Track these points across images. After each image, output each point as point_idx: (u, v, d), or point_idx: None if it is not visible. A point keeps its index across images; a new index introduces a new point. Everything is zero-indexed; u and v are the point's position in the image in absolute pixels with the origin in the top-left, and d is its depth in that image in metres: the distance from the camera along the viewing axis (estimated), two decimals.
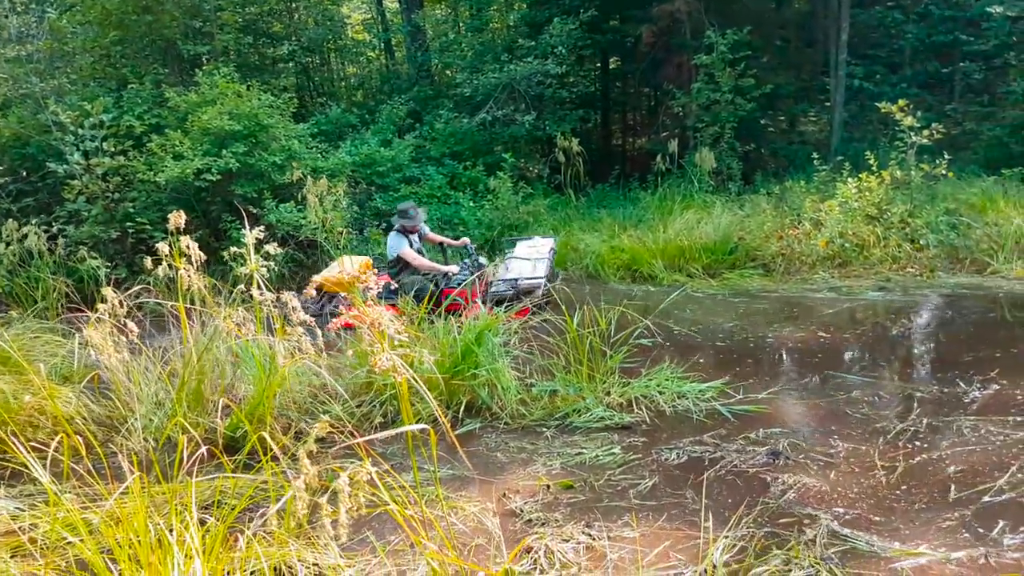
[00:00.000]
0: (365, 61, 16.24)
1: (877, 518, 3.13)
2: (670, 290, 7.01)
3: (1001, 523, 3.00)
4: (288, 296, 2.79)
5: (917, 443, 3.79)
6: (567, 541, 3.07)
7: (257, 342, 4.20)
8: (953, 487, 3.32)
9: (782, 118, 15.01)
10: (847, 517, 3.14)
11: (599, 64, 15.56)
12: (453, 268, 6.94)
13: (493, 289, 6.57)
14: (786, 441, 3.93)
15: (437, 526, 2.79)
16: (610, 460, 3.83)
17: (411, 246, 6.83)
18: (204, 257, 3.82)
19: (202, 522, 2.70)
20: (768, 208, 9.14)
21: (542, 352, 4.99)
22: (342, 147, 10.33)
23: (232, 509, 2.90)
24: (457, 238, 7.83)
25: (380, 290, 6.73)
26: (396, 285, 6.81)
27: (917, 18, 13.27)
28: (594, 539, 3.08)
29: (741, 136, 11.84)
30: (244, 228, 3.91)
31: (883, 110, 8.15)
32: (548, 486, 3.57)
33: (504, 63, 11.47)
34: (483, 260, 7.29)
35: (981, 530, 2.98)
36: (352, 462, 3.78)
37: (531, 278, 6.62)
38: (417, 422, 4.32)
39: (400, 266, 6.82)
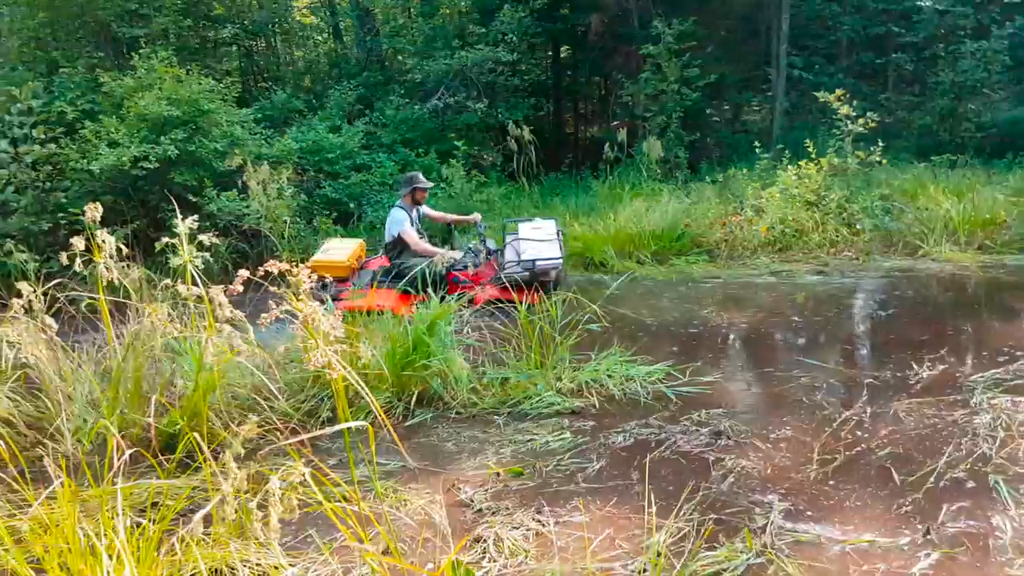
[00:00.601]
0: (313, 45, 15.94)
1: (822, 503, 3.19)
2: (620, 277, 7.07)
3: (944, 506, 3.08)
4: (216, 290, 2.69)
5: (859, 427, 3.89)
6: (517, 529, 3.09)
7: (195, 338, 4.09)
8: (895, 471, 3.40)
9: (727, 108, 15.30)
10: (792, 502, 3.20)
11: (551, 52, 15.60)
12: (455, 254, 6.67)
13: (509, 271, 6.26)
14: (728, 422, 4.02)
15: (376, 523, 2.77)
16: (560, 445, 3.87)
17: (412, 224, 6.53)
18: (139, 249, 3.68)
19: (137, 525, 2.63)
20: (713, 196, 9.31)
21: (494, 340, 5.00)
22: (288, 133, 10.12)
23: (168, 511, 2.83)
24: (468, 213, 7.63)
25: (379, 275, 6.62)
26: (397, 269, 6.52)
27: (853, 10, 13.65)
28: (544, 525, 3.10)
29: (687, 125, 12.03)
30: (178, 218, 3.77)
31: (821, 99, 8.36)
32: (498, 474, 3.59)
33: (455, 49, 11.40)
34: (491, 243, 7.08)
35: (924, 513, 3.05)
36: (290, 461, 3.77)
37: (549, 259, 6.31)
38: (366, 416, 4.32)
39: (400, 247, 6.53)
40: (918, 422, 3.89)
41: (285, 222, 8.02)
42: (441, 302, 6.27)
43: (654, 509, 2.95)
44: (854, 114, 8.24)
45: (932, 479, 3.30)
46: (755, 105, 15.64)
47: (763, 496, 3.26)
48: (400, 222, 6.42)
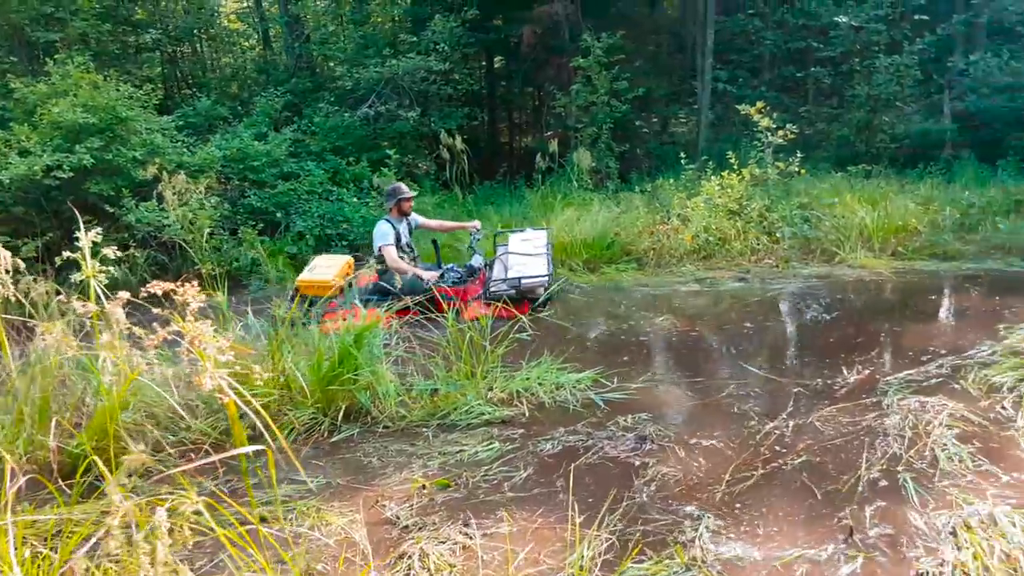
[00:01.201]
0: (240, 51, 15.62)
1: (746, 512, 3.23)
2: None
3: (863, 510, 3.16)
4: (114, 305, 2.58)
5: (781, 433, 3.98)
6: (443, 543, 3.07)
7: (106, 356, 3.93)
8: (815, 477, 3.48)
9: (655, 120, 15.64)
10: (718, 511, 3.23)
11: (484, 63, 15.70)
12: (432, 275, 6.47)
13: (493, 289, 6.22)
14: (654, 427, 4.09)
15: (292, 544, 2.72)
16: (488, 455, 3.87)
17: (400, 238, 6.40)
18: (50, 263, 3.52)
19: (38, 555, 2.51)
20: (641, 205, 9.50)
21: (424, 351, 4.97)
22: (212, 141, 9.86)
23: (71, 540, 2.71)
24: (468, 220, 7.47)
25: (368, 293, 6.47)
26: (386, 284, 6.35)
27: (775, 26, 14.18)
28: (471, 538, 3.10)
29: (618, 136, 12.27)
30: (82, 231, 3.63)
31: (743, 112, 8.62)
32: (424, 486, 3.56)
33: (387, 57, 11.34)
34: (479, 259, 6.96)
35: (844, 518, 3.12)
36: (201, 482, 3.67)
37: (534, 276, 6.24)
38: (289, 432, 4.24)
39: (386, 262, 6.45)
40: (836, 427, 4.00)
41: (207, 233, 7.79)
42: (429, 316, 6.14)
43: (580, 520, 2.98)
44: (774, 126, 8.55)
45: (850, 483, 3.39)
46: (682, 117, 16.05)
47: (689, 505, 3.29)
48: (383, 236, 6.32)
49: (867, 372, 4.73)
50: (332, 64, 13.64)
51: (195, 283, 2.34)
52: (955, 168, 11.14)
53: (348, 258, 7.03)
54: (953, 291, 6.55)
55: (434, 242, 7.18)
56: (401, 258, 6.52)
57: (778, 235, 8.12)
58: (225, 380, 2.17)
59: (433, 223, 7.04)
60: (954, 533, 2.93)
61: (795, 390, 4.53)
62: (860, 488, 3.35)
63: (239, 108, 11.84)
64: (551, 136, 11.78)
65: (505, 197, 11.32)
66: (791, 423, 4.08)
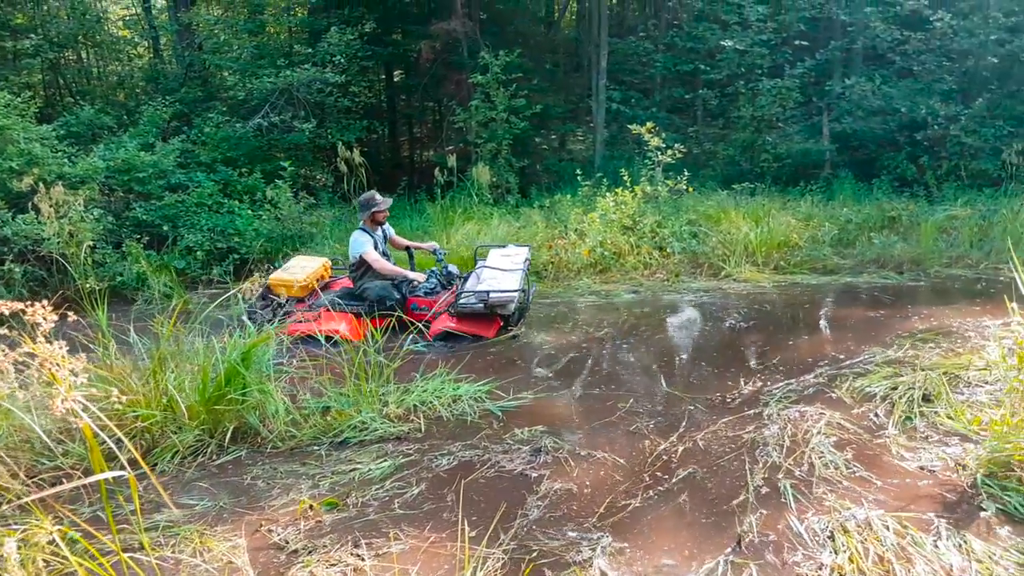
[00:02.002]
0: (127, 59, 14.92)
1: (640, 527, 3.29)
2: None
3: (753, 521, 3.26)
4: None
5: (671, 445, 4.10)
6: (334, 566, 3.00)
7: None
8: (703, 488, 3.60)
9: (554, 137, 15.97)
10: (611, 527, 3.28)
11: (383, 76, 15.59)
12: (419, 276, 6.47)
13: (462, 301, 6.08)
14: (549, 440, 4.15)
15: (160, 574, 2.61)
16: (381, 473, 3.82)
17: (376, 247, 6.26)
18: None
19: None
20: (540, 220, 9.66)
21: (317, 368, 4.87)
22: (95, 151, 9.36)
23: None
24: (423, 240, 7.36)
25: (341, 297, 6.26)
26: (358, 291, 6.29)
27: (665, 49, 14.75)
28: (362, 560, 3.05)
29: (517, 152, 12.44)
30: None
31: (635, 131, 8.92)
32: (311, 507, 3.48)
33: (281, 68, 11.09)
34: (453, 269, 6.87)
35: (732, 528, 3.23)
36: (76, 509, 3.48)
37: (503, 291, 6.07)
38: (174, 455, 4.06)
39: (363, 269, 6.28)
40: (722, 438, 4.16)
41: (89, 247, 7.39)
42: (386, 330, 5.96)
43: (473, 535, 2.97)
44: (664, 145, 8.89)
45: (736, 494, 3.52)
46: (579, 135, 16.46)
47: (584, 522, 3.32)
48: (362, 244, 6.20)
49: (751, 383, 4.96)
50: (225, 73, 13.23)
51: (45, 303, 2.19)
52: (834, 186, 11.87)
53: (324, 260, 6.89)
54: (832, 303, 6.96)
55: (408, 251, 7.06)
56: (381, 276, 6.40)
57: (669, 250, 8.44)
58: (80, 403, 2.05)
59: (398, 240, 6.95)
60: (832, 537, 3.10)
61: (686, 404, 4.68)
62: (745, 497, 3.48)
63: (125, 117, 11.29)
64: (451, 151, 11.82)
65: (406, 211, 11.27)
66: (681, 435, 4.21)
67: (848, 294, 7.23)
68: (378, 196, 6.40)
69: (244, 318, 5.80)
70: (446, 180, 10.54)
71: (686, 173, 9.05)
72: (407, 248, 6.99)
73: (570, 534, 3.23)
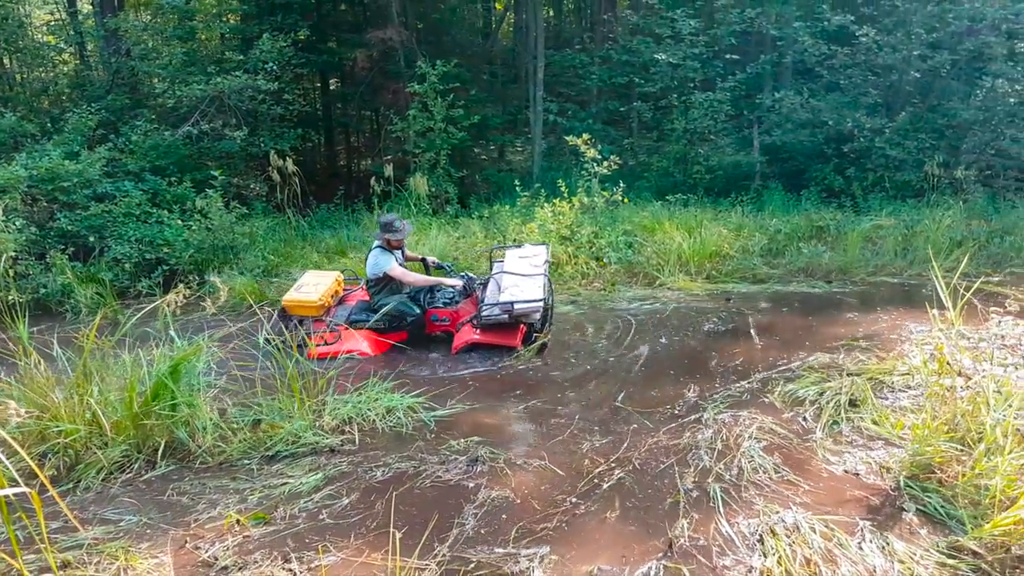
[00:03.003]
0: (51, 65, 14.33)
1: (577, 535, 3.30)
2: None
3: (684, 525, 3.32)
4: None
5: (605, 453, 4.13)
6: None
7: None
8: (638, 494, 3.64)
9: (492, 147, 16.00)
10: (548, 537, 3.28)
11: (319, 84, 15.39)
12: (455, 281, 6.29)
13: (486, 313, 5.80)
14: (485, 450, 4.14)
15: None
16: (312, 486, 3.74)
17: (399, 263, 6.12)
18: None
19: None
20: (479, 230, 9.65)
21: (248, 380, 4.75)
22: (17, 159, 8.95)
23: None
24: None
25: (358, 312, 6.16)
26: (376, 307, 6.13)
27: (600, 61, 14.96)
28: (295, 574, 2.97)
29: (456, 162, 12.41)
30: None
31: (571, 143, 9.01)
32: (239, 521, 3.38)
33: (212, 75, 10.83)
34: (472, 275, 6.63)
35: (664, 532, 3.28)
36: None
37: (528, 301, 5.74)
38: (99, 471, 3.90)
39: (383, 285, 6.10)
40: (656, 445, 4.21)
41: (10, 258, 7.06)
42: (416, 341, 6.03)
43: (405, 547, 2.93)
44: (600, 157, 8.99)
45: (668, 499, 3.58)
46: (518, 146, 16.54)
47: (521, 532, 3.31)
48: (387, 261, 6.04)
49: (685, 390, 5.04)
50: (153, 80, 12.84)
51: None
52: (764, 197, 12.16)
53: (337, 275, 6.68)
54: (762, 311, 7.12)
55: (424, 262, 6.80)
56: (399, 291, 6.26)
57: (605, 260, 8.53)
58: None
59: (414, 255, 6.75)
60: (761, 540, 3.16)
61: (622, 412, 4.73)
62: (676, 502, 3.53)
63: (49, 125, 10.82)
64: (388, 160, 11.69)
65: (343, 221, 11.11)
66: (616, 443, 4.25)
67: (778, 302, 7.41)
68: (398, 222, 6.20)
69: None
70: (383, 190, 10.44)
71: (622, 184, 9.18)
72: (423, 261, 6.76)
73: (506, 545, 3.22)
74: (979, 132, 12.05)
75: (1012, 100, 11.79)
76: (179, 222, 9.20)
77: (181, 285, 4.87)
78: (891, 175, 11.94)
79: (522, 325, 6.00)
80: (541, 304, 5.76)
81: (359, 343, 5.91)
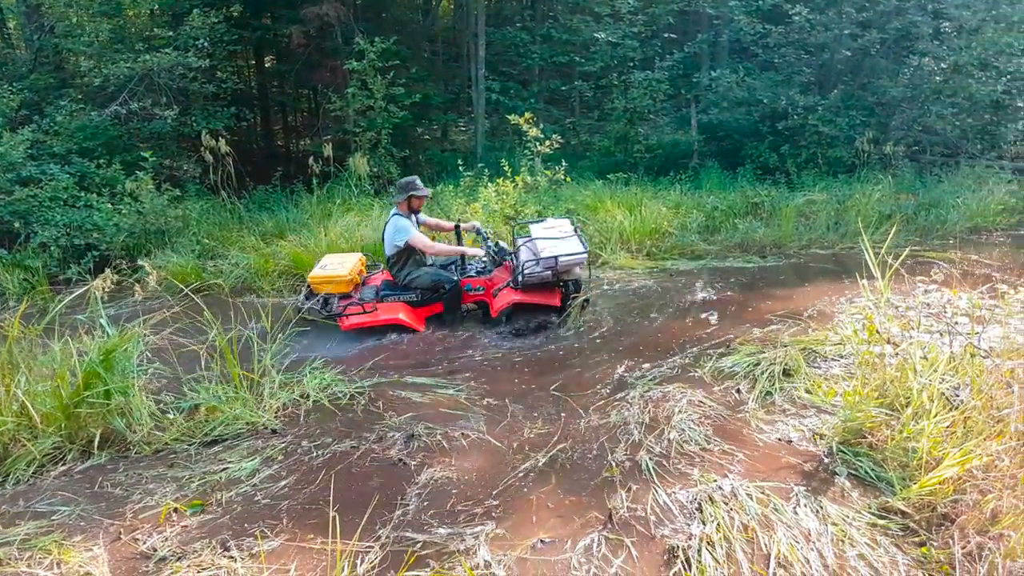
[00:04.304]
0: None
1: (520, 511, 3.33)
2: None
3: (623, 497, 3.38)
4: None
5: (543, 429, 4.17)
6: (205, 570, 2.88)
7: None
8: (576, 470, 3.69)
9: (435, 127, 15.84)
10: (492, 513, 3.30)
11: (253, 61, 14.96)
12: (477, 250, 6.14)
13: (529, 271, 5.74)
14: (421, 425, 4.15)
15: None
16: (251, 470, 3.70)
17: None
18: None
19: None
20: (423, 211, 9.53)
21: (189, 364, 4.64)
22: None
23: None
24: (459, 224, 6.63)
25: (384, 289, 6.02)
26: (404, 281, 5.95)
27: (541, 40, 14.92)
28: (235, 561, 2.93)
29: (398, 142, 12.24)
30: None
31: (513, 122, 8.98)
32: (176, 510, 3.31)
33: (140, 52, 10.41)
34: (503, 244, 6.50)
35: (603, 505, 3.34)
36: None
37: (572, 254, 5.71)
38: (29, 463, 3.77)
39: (405, 258, 5.89)
40: (592, 420, 4.26)
41: None
42: (454, 313, 6.01)
43: (348, 529, 2.91)
44: (542, 136, 8.99)
45: (605, 473, 3.63)
46: (461, 125, 16.42)
47: (465, 510, 3.32)
48: (406, 229, 5.81)
49: (620, 368, 5.11)
50: (79, 58, 12.27)
51: None
52: (701, 175, 12.37)
53: (359, 255, 6.56)
54: (699, 287, 7.25)
55: (456, 227, 6.55)
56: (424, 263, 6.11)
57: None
58: None
59: (432, 221, 6.53)
60: (700, 509, 3.24)
61: (559, 388, 4.77)
62: (614, 476, 3.59)
63: None
64: (327, 140, 11.45)
65: (281, 203, 10.87)
66: (552, 419, 4.30)
67: (715, 277, 7.57)
68: (419, 181, 6.10)
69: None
70: (322, 170, 10.22)
71: (564, 163, 9.20)
72: (456, 227, 6.51)
73: (453, 522, 3.24)
74: (907, 109, 12.47)
75: (938, 78, 12.21)
76: (109, 206, 8.86)
77: (108, 270, 4.70)
78: (823, 151, 12.27)
79: (559, 291, 6.08)
80: (585, 256, 5.82)
81: (396, 313, 5.83)
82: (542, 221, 6.71)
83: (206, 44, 10.72)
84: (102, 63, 10.56)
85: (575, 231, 6.22)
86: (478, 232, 6.54)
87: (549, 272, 5.75)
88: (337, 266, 6.14)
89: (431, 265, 6.14)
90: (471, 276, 6.20)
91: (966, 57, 11.79)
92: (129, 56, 10.38)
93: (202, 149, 9.39)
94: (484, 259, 6.32)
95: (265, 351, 4.72)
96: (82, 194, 9.01)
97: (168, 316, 4.87)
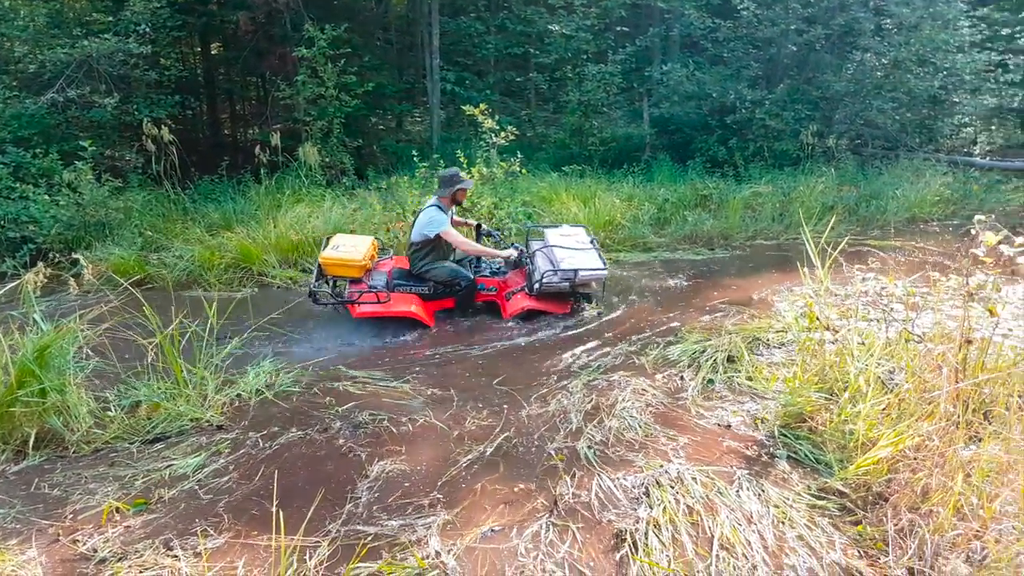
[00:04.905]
0: None
1: (466, 499, 3.33)
2: (280, 291, 6.88)
3: (568, 484, 3.41)
4: None
5: (488, 419, 4.18)
6: (148, 570, 2.81)
7: None
8: (522, 461, 3.70)
9: (390, 117, 15.68)
10: (439, 503, 3.30)
11: (199, 48, 14.60)
12: (511, 252, 6.11)
13: (547, 280, 5.80)
14: (366, 415, 4.15)
15: None
16: (194, 467, 3.62)
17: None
18: None
19: None
20: (377, 202, 9.45)
21: (130, 360, 4.52)
22: None
23: None
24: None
25: (397, 278, 5.90)
26: (419, 272, 5.83)
27: (496, 30, 14.88)
28: (179, 560, 2.87)
29: (351, 132, 12.09)
30: None
31: (468, 113, 8.95)
32: (117, 509, 3.23)
33: (79, 38, 10.07)
34: (521, 246, 6.44)
35: (546, 492, 3.36)
36: None
37: (593, 269, 5.83)
38: None
39: (429, 248, 5.76)
40: (538, 407, 4.30)
41: None
42: (466, 310, 5.97)
43: (295, 523, 2.87)
44: (497, 127, 8.98)
45: (549, 461, 3.66)
46: (417, 116, 16.28)
47: (414, 502, 3.31)
48: (442, 223, 5.70)
49: (568, 356, 5.16)
50: (13, 44, 11.82)
51: None
52: (653, 168, 12.53)
53: (371, 239, 6.31)
54: (650, 278, 7.36)
55: (477, 226, 6.61)
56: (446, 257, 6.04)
57: (505, 231, 8.54)
58: None
59: (459, 220, 6.48)
60: (647, 493, 3.29)
61: (501, 380, 4.78)
62: (559, 463, 3.62)
63: None
64: (277, 128, 11.23)
65: (228, 193, 10.63)
66: (496, 411, 4.30)
67: (665, 269, 7.69)
68: (463, 173, 6.04)
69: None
70: (270, 159, 10.02)
71: (520, 155, 9.20)
72: (477, 226, 6.58)
73: (403, 514, 3.22)
74: (849, 103, 12.80)
75: (879, 74, 12.56)
76: (46, 197, 8.55)
77: (41, 264, 4.54)
78: (770, 145, 12.53)
79: (567, 299, 6.19)
80: (606, 272, 5.94)
81: (409, 305, 5.74)
82: (558, 227, 6.78)
83: (148, 29, 10.43)
84: (38, 48, 10.19)
85: (591, 243, 6.32)
86: (489, 235, 6.67)
87: (567, 283, 5.86)
88: (351, 249, 5.95)
89: (453, 260, 6.13)
90: (485, 276, 6.23)
91: (905, 53, 12.15)
92: (67, 41, 10.04)
93: (144, 138, 9.12)
94: (504, 261, 6.35)
95: (212, 346, 4.62)
96: (17, 185, 8.67)
97: (106, 311, 4.72)
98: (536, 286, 5.89)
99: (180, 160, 9.44)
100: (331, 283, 5.87)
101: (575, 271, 5.78)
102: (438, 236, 5.80)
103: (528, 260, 6.29)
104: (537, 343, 5.51)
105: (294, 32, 12.13)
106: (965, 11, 13.18)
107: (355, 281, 5.87)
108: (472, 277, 6.05)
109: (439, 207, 5.87)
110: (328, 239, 6.29)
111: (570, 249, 6.09)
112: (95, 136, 10.03)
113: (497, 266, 6.43)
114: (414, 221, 6.06)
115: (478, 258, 6.30)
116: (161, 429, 3.99)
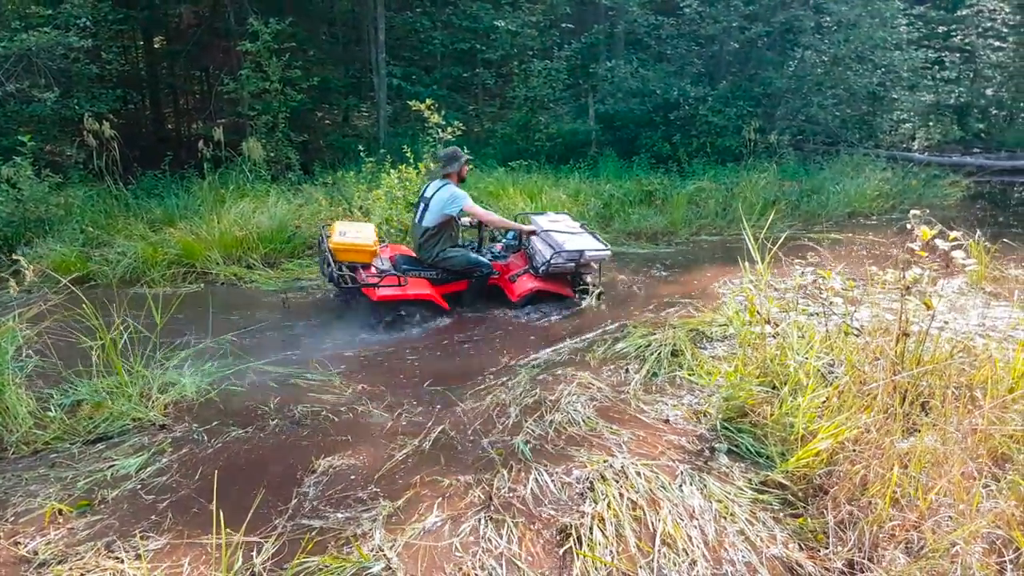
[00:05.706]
0: None
1: (409, 493, 3.34)
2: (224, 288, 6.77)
3: (507, 478, 3.43)
4: None
5: (428, 414, 4.21)
6: (89, 573, 2.77)
7: None
8: (462, 455, 3.73)
9: (336, 111, 15.52)
10: (383, 497, 3.31)
11: (141, 42, 14.22)
12: (532, 227, 6.36)
13: (554, 261, 5.90)
14: (301, 407, 4.18)
15: None
16: (138, 467, 3.57)
17: None
18: None
19: None
20: (323, 197, 9.38)
21: (71, 360, 4.41)
22: None
23: None
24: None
25: (406, 263, 5.86)
26: (432, 258, 5.76)
27: (443, 26, 14.85)
28: (121, 562, 2.83)
29: (297, 126, 11.93)
30: None
31: (414, 108, 8.93)
32: (60, 511, 3.18)
33: (17, 31, 9.73)
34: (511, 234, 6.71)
35: (484, 486, 3.39)
36: None
37: (597, 249, 6.04)
38: None
39: (444, 234, 5.70)
40: (479, 402, 4.33)
41: None
42: (476, 297, 6.05)
43: (239, 522, 2.86)
44: (444, 123, 8.97)
45: (488, 455, 3.69)
46: (364, 110, 16.14)
47: (358, 497, 3.32)
48: (463, 197, 5.67)
49: (512, 352, 5.21)
50: None
51: None
52: (599, 164, 12.69)
53: (372, 224, 6.32)
54: (596, 274, 7.41)
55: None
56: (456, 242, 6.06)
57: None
58: None
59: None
60: (591, 487, 3.31)
61: (438, 377, 4.81)
62: (500, 457, 3.66)
63: None
64: (220, 123, 11.04)
65: (171, 189, 10.39)
66: (435, 406, 4.33)
67: (611, 264, 7.75)
68: (460, 150, 6.09)
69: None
70: (214, 154, 9.84)
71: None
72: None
73: (348, 509, 3.24)
74: (791, 100, 13.14)
75: (819, 70, 12.92)
76: None
77: (431, 229, 4.44)
78: (713, 141, 12.78)
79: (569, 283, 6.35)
80: (608, 251, 6.23)
81: (426, 289, 5.74)
82: (544, 214, 7.00)
83: (89, 23, 10.12)
84: None
85: (581, 227, 6.59)
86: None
87: (572, 264, 6.02)
88: (359, 234, 5.87)
89: (463, 245, 6.16)
90: (496, 261, 6.37)
91: (844, 50, 12.52)
92: (5, 35, 9.72)
93: (85, 133, 8.86)
94: (492, 248, 6.51)
95: (155, 344, 4.54)
96: None
97: (46, 309, 4.59)
98: (543, 268, 6.01)
99: (122, 155, 9.21)
100: (348, 267, 5.76)
101: (581, 251, 5.97)
102: (451, 218, 5.83)
103: (527, 244, 6.46)
104: (480, 340, 5.54)
105: (238, 26, 11.92)
106: (902, 9, 13.65)
107: (366, 266, 5.83)
108: (491, 264, 6.14)
109: (452, 184, 5.90)
110: (327, 227, 6.28)
111: (565, 233, 6.26)
112: (34, 131, 9.73)
113: (498, 251, 6.57)
114: (422, 207, 5.98)
115: (479, 242, 6.43)
116: (103, 429, 3.93)
